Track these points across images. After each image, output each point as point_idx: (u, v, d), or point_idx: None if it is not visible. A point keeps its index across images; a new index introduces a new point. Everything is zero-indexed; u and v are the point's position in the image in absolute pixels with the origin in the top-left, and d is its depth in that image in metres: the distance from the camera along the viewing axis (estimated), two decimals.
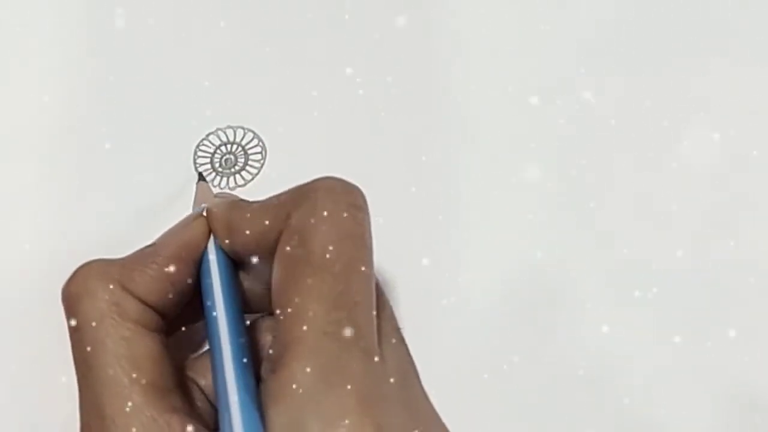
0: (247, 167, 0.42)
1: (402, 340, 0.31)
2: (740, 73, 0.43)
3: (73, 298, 0.31)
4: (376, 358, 0.28)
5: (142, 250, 0.33)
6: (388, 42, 0.44)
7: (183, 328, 0.34)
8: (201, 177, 0.41)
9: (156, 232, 0.34)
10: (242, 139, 0.42)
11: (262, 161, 0.42)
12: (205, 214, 0.34)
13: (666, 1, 0.45)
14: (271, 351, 0.29)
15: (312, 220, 0.29)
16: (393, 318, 0.31)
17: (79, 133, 0.43)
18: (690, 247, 0.40)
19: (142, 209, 0.41)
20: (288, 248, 0.29)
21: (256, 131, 0.42)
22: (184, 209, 0.37)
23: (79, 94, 0.43)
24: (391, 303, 0.38)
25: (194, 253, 0.33)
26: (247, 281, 0.33)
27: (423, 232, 0.41)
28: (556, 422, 0.37)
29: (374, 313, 0.29)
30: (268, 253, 0.31)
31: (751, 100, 0.43)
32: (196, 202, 0.39)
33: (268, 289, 0.31)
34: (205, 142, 0.42)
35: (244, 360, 0.29)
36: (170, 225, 0.34)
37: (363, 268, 0.29)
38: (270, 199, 0.32)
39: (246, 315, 0.32)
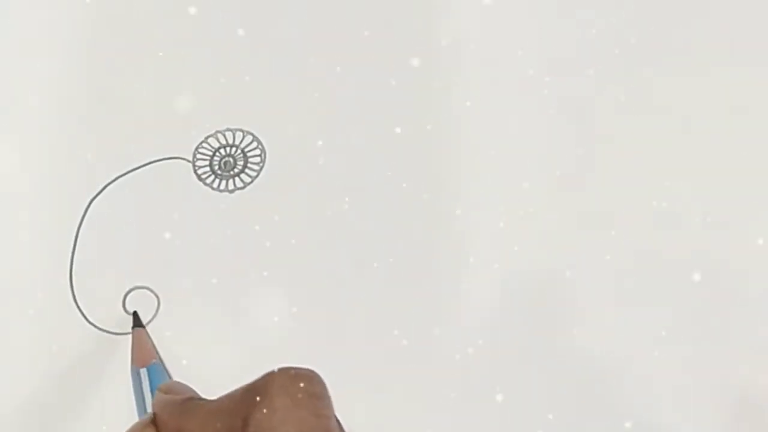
0: (246, 170, 0.42)
1: None
2: (742, 73, 0.43)
3: None
4: None
5: None
6: (389, 43, 0.44)
7: None
8: (136, 320, 0.40)
9: None
10: (241, 142, 0.42)
11: (261, 164, 0.42)
12: (149, 413, 0.31)
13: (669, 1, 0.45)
14: None
15: (271, 423, 0.28)
16: None
17: (79, 135, 0.43)
18: (692, 248, 0.40)
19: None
20: None
21: (255, 134, 0.42)
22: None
23: (79, 96, 0.43)
24: (394, 304, 0.38)
25: None
26: None
27: (423, 234, 0.41)
28: (558, 423, 0.37)
29: None
30: None
31: (753, 99, 0.43)
32: (135, 358, 0.38)
33: None
34: (205, 144, 0.42)
35: None
36: None
37: None
38: (222, 400, 0.30)
39: None
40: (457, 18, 0.45)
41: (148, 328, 0.39)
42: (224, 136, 0.42)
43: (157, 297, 0.39)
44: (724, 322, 0.39)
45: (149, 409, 0.32)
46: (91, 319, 0.39)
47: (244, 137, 0.42)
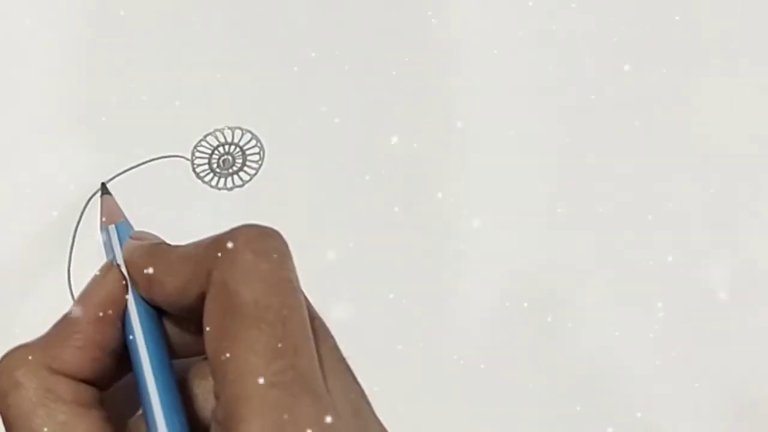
0: (245, 168, 0.42)
1: (347, 369, 0.30)
2: (740, 73, 0.43)
3: (0, 394, 0.30)
4: (325, 398, 0.28)
5: (60, 321, 0.32)
6: (389, 41, 0.44)
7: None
8: (104, 189, 0.40)
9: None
10: (240, 140, 0.42)
11: (260, 162, 0.42)
12: (117, 262, 0.33)
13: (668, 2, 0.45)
14: (217, 413, 0.28)
15: (235, 273, 0.28)
16: (336, 349, 0.31)
17: (77, 133, 0.43)
18: (691, 248, 0.40)
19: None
20: (216, 305, 0.29)
21: (254, 132, 0.42)
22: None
23: (77, 95, 0.43)
24: (391, 306, 0.38)
25: (116, 309, 0.32)
26: (172, 327, 0.33)
27: (423, 234, 0.41)
28: (559, 424, 0.37)
29: (314, 352, 0.29)
30: (191, 306, 0.30)
31: (751, 100, 0.43)
32: (104, 217, 0.38)
33: (194, 334, 0.30)
34: (203, 142, 0.42)
35: (177, 413, 0.29)
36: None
37: (295, 312, 0.29)
38: (189, 247, 0.31)
39: (174, 361, 0.32)
40: (457, 20, 0.45)
41: None
42: (223, 134, 0.42)
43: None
44: (725, 322, 0.39)
45: (120, 262, 0.33)
46: None
47: (243, 135, 0.42)
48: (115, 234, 0.36)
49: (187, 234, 0.40)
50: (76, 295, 0.39)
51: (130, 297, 0.32)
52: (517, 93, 0.43)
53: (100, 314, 0.31)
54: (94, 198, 0.41)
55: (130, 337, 0.31)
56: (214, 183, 0.41)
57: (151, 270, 0.31)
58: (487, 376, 0.38)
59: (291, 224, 0.39)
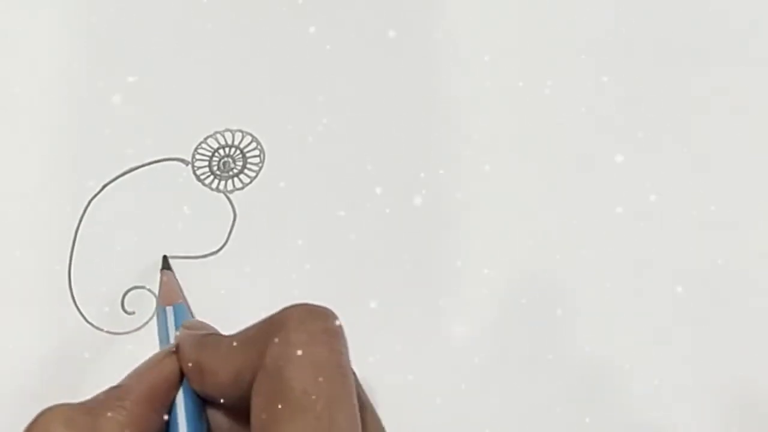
0: (245, 170, 0.42)
1: None
2: (740, 73, 0.43)
3: None
4: None
5: (107, 391, 0.31)
6: (391, 44, 0.44)
7: None
8: (165, 263, 0.40)
9: None
10: (240, 142, 0.42)
11: (260, 164, 0.42)
12: (174, 350, 0.32)
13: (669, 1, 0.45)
14: None
15: (287, 357, 0.28)
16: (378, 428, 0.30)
17: (78, 135, 0.43)
18: (690, 247, 0.40)
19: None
20: (265, 390, 0.28)
21: (254, 134, 0.42)
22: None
23: (78, 96, 0.43)
24: (392, 306, 0.38)
25: (165, 395, 0.31)
26: (222, 418, 0.32)
27: (422, 237, 0.41)
28: (557, 423, 0.37)
29: None
30: (243, 394, 0.29)
31: (750, 100, 0.43)
32: (161, 297, 0.38)
33: (246, 425, 0.30)
34: (203, 145, 0.42)
35: None
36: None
37: (344, 403, 0.28)
38: (240, 335, 0.31)
39: None
40: (460, 26, 0.45)
41: (146, 329, 0.39)
42: (223, 136, 0.42)
43: (156, 297, 0.40)
44: (725, 322, 0.39)
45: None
46: (89, 319, 0.39)
47: (243, 138, 0.42)
48: (173, 317, 0.36)
49: (187, 237, 0.41)
50: (76, 296, 0.39)
51: (180, 389, 0.32)
52: (517, 94, 0.43)
53: (149, 396, 0.31)
54: (95, 199, 0.41)
55: (173, 423, 0.31)
56: (214, 185, 0.41)
57: (202, 362, 0.31)
58: (486, 375, 0.38)
59: (291, 227, 0.39)
